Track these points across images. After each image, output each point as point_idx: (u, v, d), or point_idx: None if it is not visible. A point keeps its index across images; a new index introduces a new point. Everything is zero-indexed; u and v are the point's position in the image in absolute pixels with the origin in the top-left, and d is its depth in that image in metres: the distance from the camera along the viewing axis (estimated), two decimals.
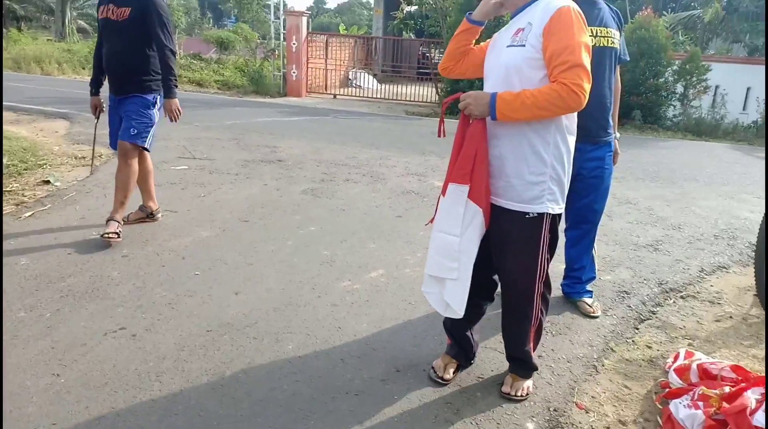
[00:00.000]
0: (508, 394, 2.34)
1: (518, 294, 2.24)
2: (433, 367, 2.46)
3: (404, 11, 16.14)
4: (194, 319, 2.79)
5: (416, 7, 17.62)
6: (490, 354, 2.65)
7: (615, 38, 2.81)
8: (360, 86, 15.92)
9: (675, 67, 11.06)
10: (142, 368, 2.36)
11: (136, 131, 3.70)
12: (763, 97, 11.17)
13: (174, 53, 3.74)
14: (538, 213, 2.08)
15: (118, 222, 3.72)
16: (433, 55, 15.48)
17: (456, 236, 2.07)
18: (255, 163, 6.22)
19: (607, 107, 2.88)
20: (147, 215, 4.13)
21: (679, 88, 11.26)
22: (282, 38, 14.59)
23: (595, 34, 2.72)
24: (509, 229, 2.12)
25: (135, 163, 3.77)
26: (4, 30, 20.79)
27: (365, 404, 2.23)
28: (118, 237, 3.64)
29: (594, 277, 3.24)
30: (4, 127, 7.38)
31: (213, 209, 4.50)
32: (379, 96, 14.65)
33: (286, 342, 2.63)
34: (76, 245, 3.61)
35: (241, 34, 19.67)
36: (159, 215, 4.19)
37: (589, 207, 3.01)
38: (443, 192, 2.15)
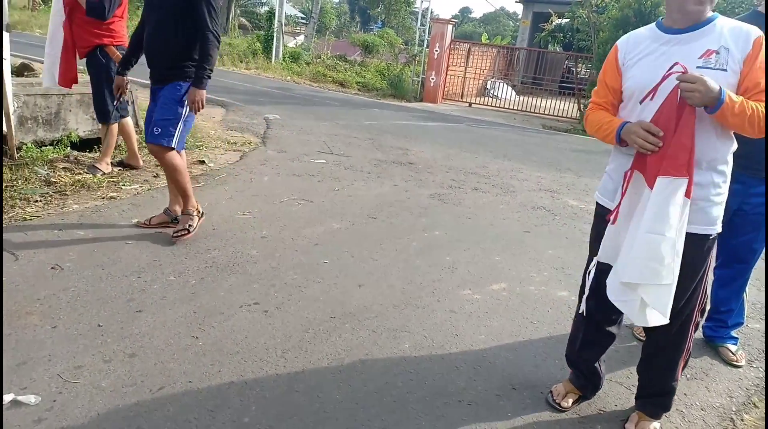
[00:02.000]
0: None
1: (677, 322, 2.07)
2: (551, 392, 2.36)
3: (553, 23, 15.69)
4: (320, 304, 2.92)
5: (567, 20, 17.06)
6: (615, 387, 2.50)
7: None
8: (497, 96, 15.70)
9: None
10: (270, 343, 2.51)
11: (159, 131, 3.37)
12: None
13: (218, 38, 3.34)
14: (718, 233, 1.99)
15: (188, 214, 3.60)
16: (579, 69, 14.87)
17: (673, 237, 1.86)
18: (387, 163, 6.37)
19: None
20: (171, 220, 3.72)
21: None
22: (425, 44, 14.80)
23: None
24: (685, 254, 1.92)
25: (172, 158, 3.46)
26: None
27: (478, 415, 2.19)
28: (188, 233, 3.52)
29: (742, 323, 2.93)
30: None
31: (345, 203, 4.67)
32: (515, 107, 14.35)
33: (403, 340, 2.67)
34: (223, 222, 3.92)
35: (386, 39, 20.27)
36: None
37: (748, 246, 2.74)
38: (650, 184, 1.88)
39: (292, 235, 3.84)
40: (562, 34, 17.71)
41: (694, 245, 1.95)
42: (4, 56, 4.26)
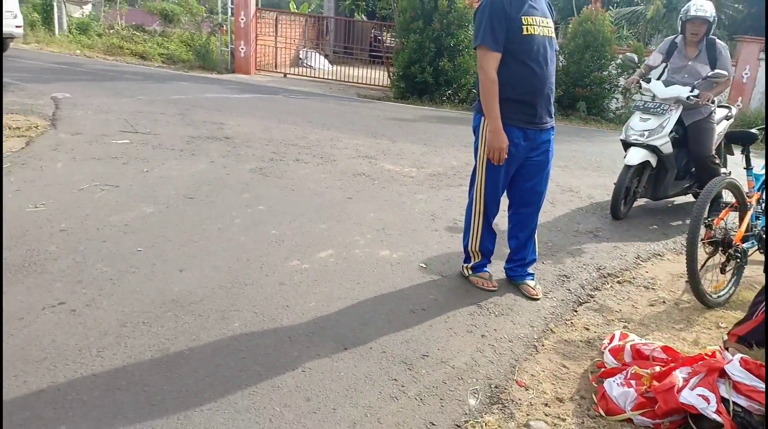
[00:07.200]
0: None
1: None
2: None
3: None
4: (137, 295, 2.72)
5: None
6: (436, 332, 2.71)
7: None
8: (312, 66, 15.67)
9: (618, 61, 11.43)
10: (82, 343, 2.29)
11: None
12: None
13: None
14: None
15: None
16: (385, 38, 15.40)
17: None
18: (201, 139, 6.06)
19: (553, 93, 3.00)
20: None
21: (622, 81, 11.64)
22: (230, 13, 14.16)
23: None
24: None
25: None
26: None
27: (312, 380, 2.24)
28: None
29: (535, 260, 3.33)
30: None
31: (157, 185, 4.37)
32: (331, 77, 14.48)
33: (233, 320, 2.61)
34: (11, 217, 3.44)
35: (186, 7, 18.95)
36: None
37: (533, 190, 3.11)
38: None
39: (97, 224, 3.50)
40: (365, 3, 18.12)
41: None
42: None
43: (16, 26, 11.75)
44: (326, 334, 2.60)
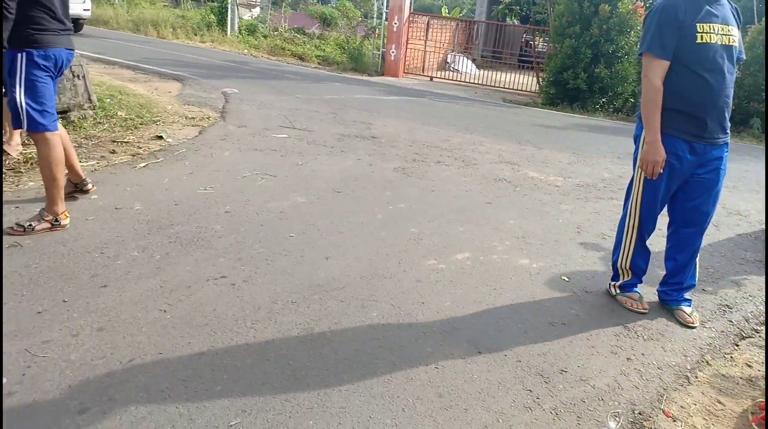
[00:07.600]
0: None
1: None
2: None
3: None
4: (287, 276, 2.92)
5: None
6: (576, 349, 2.60)
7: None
8: (458, 70, 15.74)
9: None
10: (239, 315, 2.52)
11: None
12: None
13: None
14: None
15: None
16: (537, 42, 15.01)
17: None
18: (350, 137, 6.34)
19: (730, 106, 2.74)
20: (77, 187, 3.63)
21: None
22: (384, 17, 14.65)
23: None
24: None
25: (46, 149, 3.03)
26: None
27: (444, 378, 2.26)
28: (24, 232, 3.03)
29: (694, 285, 3.07)
30: (123, 83, 7.94)
31: (309, 178, 4.65)
32: (476, 81, 14.42)
33: (371, 309, 2.71)
34: (185, 197, 3.86)
35: (343, 11, 19.91)
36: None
37: (698, 210, 2.86)
38: None
39: (256, 209, 3.81)
40: (519, 7, 17.79)
41: None
42: None
43: (84, 9, 13.69)
44: (460, 335, 2.60)
